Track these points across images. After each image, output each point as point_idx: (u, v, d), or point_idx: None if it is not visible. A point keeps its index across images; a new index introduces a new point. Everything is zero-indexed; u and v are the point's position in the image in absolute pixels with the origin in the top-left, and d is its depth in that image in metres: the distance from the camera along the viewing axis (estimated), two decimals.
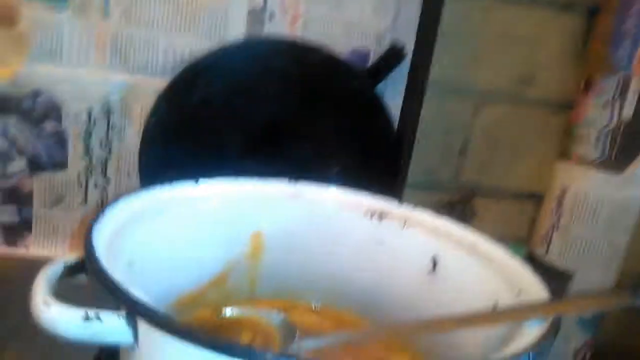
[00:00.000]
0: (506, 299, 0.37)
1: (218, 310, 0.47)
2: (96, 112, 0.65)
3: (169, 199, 0.42)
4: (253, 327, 0.45)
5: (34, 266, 0.36)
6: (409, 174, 0.73)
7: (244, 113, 0.62)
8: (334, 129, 0.67)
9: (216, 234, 0.46)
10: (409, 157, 0.72)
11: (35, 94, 0.63)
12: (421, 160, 0.73)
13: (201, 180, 0.45)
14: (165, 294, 0.43)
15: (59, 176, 0.67)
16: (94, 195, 0.68)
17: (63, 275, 0.31)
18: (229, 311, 0.47)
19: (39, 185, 0.67)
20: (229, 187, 0.47)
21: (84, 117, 0.65)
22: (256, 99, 0.61)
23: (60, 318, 0.27)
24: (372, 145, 0.69)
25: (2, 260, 0.65)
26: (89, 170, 0.67)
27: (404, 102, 0.71)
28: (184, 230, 0.43)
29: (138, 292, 0.37)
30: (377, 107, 0.68)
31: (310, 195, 0.49)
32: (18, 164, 0.66)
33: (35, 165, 0.66)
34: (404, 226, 0.47)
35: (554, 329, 0.29)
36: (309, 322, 0.48)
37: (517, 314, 0.32)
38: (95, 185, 0.68)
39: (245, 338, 0.44)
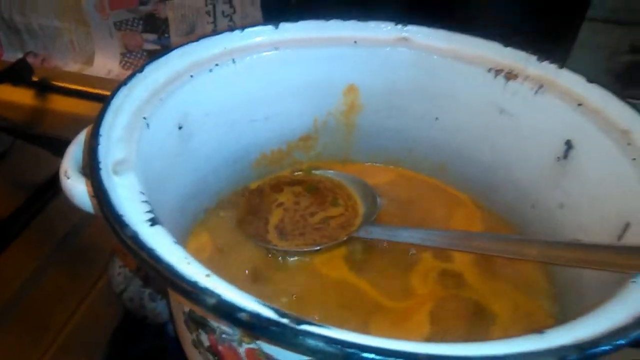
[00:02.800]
0: None
1: (307, 171, 0.43)
2: None
3: (241, 47, 0.37)
4: (340, 192, 0.41)
5: None
6: None
7: None
8: None
9: (300, 86, 0.40)
10: None
11: None
12: None
13: (282, 24, 0.38)
14: (243, 151, 0.40)
15: (188, 2, 0.65)
16: (222, 24, 0.66)
17: None
18: (317, 173, 0.43)
19: (173, 12, 0.66)
20: (318, 30, 0.39)
21: None
22: None
23: (77, 190, 0.26)
24: None
25: None
26: None
27: None
28: (261, 82, 0.38)
29: (202, 155, 0.36)
30: None
31: (421, 42, 0.39)
32: None
33: None
34: (537, 92, 0.35)
35: None
36: (404, 193, 0.42)
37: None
38: (223, 14, 0.65)
39: (329, 199, 0.40)
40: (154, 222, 0.21)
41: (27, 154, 0.54)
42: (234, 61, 0.36)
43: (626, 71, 0.57)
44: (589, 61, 0.56)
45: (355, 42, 0.39)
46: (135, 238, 0.20)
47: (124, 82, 0.29)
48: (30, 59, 0.72)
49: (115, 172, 0.24)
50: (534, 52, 0.36)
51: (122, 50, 0.71)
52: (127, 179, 0.24)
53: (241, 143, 0.40)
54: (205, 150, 0.37)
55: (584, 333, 0.18)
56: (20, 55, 0.74)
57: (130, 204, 0.22)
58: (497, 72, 0.37)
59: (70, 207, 0.27)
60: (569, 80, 0.34)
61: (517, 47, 0.37)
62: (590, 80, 0.33)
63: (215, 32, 0.36)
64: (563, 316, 0.32)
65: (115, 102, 0.28)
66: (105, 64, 0.72)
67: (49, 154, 0.53)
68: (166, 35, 0.68)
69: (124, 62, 0.71)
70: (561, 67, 0.35)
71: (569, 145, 0.33)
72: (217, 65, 0.35)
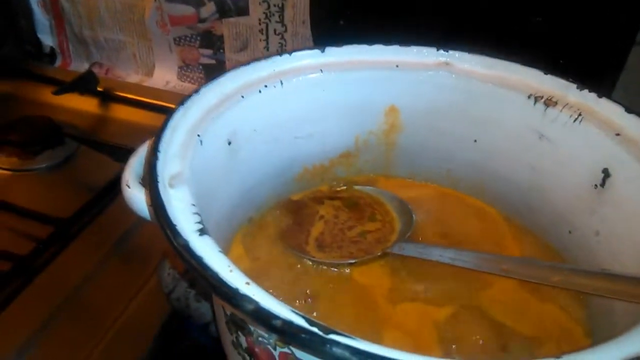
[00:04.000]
0: None
1: (349, 185, 0.45)
2: None
3: (289, 69, 0.39)
4: (378, 207, 0.43)
5: None
6: None
7: None
8: None
9: (343, 106, 0.41)
10: None
11: None
12: None
13: (328, 48, 0.40)
14: (286, 165, 0.43)
15: (242, 21, 0.69)
16: (274, 42, 0.69)
17: None
18: (357, 188, 0.44)
19: (228, 29, 0.70)
20: (361, 54, 0.41)
21: None
22: None
23: (135, 199, 0.29)
24: None
25: None
26: (267, 16, 0.67)
27: None
28: (306, 102, 0.40)
29: (246, 168, 0.39)
30: None
31: (462, 67, 0.40)
32: (208, 8, 0.69)
33: (223, 10, 0.69)
34: (576, 120, 0.35)
35: None
36: (442, 209, 0.43)
37: None
38: (275, 32, 0.68)
39: (367, 214, 0.42)
40: (202, 232, 0.24)
41: (90, 159, 0.58)
42: (281, 83, 0.38)
43: None
44: (637, 85, 0.55)
45: (397, 65, 0.41)
46: (186, 246, 0.22)
47: (182, 102, 0.32)
48: (95, 69, 0.78)
49: (171, 186, 0.26)
50: (575, 80, 0.37)
51: (180, 63, 0.75)
52: (180, 192, 0.26)
53: (285, 158, 0.42)
54: (251, 164, 0.39)
55: None
56: (86, 65, 0.80)
57: (183, 215, 0.25)
58: (537, 98, 0.37)
59: (127, 211, 0.30)
60: (608, 109, 0.34)
61: (564, 71, 0.38)
62: (629, 110, 0.34)
63: (266, 55, 0.38)
64: (597, 337, 0.32)
65: (173, 121, 0.31)
66: (164, 75, 0.76)
67: (110, 160, 0.57)
68: (221, 50, 0.72)
69: (181, 75, 0.76)
70: (599, 96, 0.35)
71: (606, 173, 0.34)
72: (265, 86, 0.37)
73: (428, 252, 0.34)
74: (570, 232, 0.37)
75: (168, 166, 0.28)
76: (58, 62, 0.80)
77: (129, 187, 0.29)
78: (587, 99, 0.36)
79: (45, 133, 0.58)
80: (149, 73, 0.77)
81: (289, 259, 0.38)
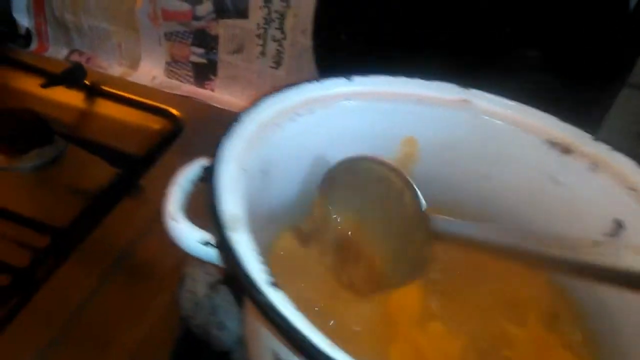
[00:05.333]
0: None
1: None
2: None
3: (320, 97, 0.39)
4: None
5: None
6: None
7: None
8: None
9: (363, 134, 0.42)
10: None
11: None
12: None
13: (354, 77, 0.40)
14: (308, 188, 0.43)
15: (240, 24, 0.67)
16: (271, 48, 0.68)
17: (198, 180, 0.32)
18: None
19: (224, 31, 0.69)
20: (385, 85, 0.41)
21: None
22: None
23: (184, 235, 0.28)
24: (591, 23, 0.54)
25: (194, 99, 0.71)
26: (267, 21, 0.66)
27: None
28: (331, 129, 0.40)
29: (274, 194, 0.39)
30: None
31: (481, 106, 0.42)
32: (205, 7, 0.68)
33: (221, 11, 0.67)
34: (592, 170, 0.38)
35: None
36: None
37: None
38: (273, 38, 0.67)
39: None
40: (274, 285, 0.24)
41: (78, 159, 0.55)
42: (312, 111, 0.38)
43: None
44: (620, 126, 0.59)
45: (418, 100, 0.42)
46: (269, 305, 0.22)
47: (225, 134, 0.32)
48: (74, 57, 0.74)
49: (232, 229, 0.26)
50: (566, 116, 0.39)
51: (168, 59, 0.73)
52: (241, 236, 0.26)
53: (307, 182, 0.42)
54: (276, 189, 0.39)
55: None
56: (64, 52, 0.76)
57: (250, 264, 0.24)
58: (553, 144, 0.39)
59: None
60: (622, 161, 0.37)
61: (555, 106, 0.40)
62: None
63: (296, 83, 0.38)
64: None
65: (223, 154, 0.30)
66: (151, 70, 0.73)
67: (100, 161, 0.54)
68: (214, 50, 0.70)
69: (168, 71, 0.73)
70: (612, 149, 0.38)
71: (618, 224, 0.36)
72: (298, 114, 0.37)
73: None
74: None
75: (225, 206, 0.27)
76: (33, 46, 0.75)
77: (176, 221, 0.29)
78: (600, 149, 0.38)
79: (32, 129, 0.55)
80: (134, 66, 0.74)
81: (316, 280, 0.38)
